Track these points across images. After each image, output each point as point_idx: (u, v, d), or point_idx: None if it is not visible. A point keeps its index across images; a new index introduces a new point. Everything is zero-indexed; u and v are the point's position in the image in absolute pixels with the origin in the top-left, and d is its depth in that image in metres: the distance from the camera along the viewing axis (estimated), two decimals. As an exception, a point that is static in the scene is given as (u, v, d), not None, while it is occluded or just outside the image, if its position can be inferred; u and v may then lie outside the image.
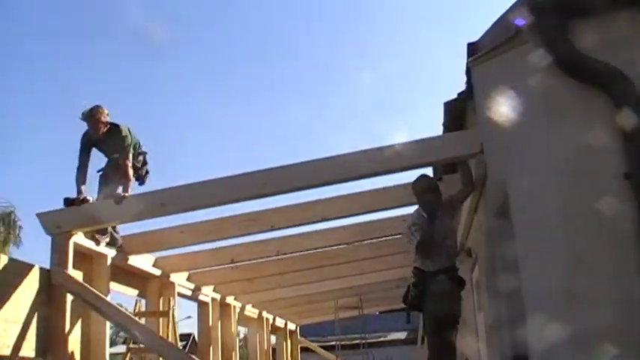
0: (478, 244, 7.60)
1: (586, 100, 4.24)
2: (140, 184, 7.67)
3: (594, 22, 4.29)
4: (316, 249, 9.90)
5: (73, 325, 7.01)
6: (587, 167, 3.75)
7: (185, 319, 35.40)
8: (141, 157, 7.66)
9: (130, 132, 7.40)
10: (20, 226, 28.64)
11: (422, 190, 6.47)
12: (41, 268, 6.78)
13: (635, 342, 3.37)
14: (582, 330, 3.45)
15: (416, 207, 6.68)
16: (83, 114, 7.18)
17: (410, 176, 6.82)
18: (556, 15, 4.44)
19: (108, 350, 7.88)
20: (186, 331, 34.69)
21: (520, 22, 4.99)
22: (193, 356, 6.93)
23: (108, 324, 7.56)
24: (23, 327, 6.45)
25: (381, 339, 28.82)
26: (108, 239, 7.51)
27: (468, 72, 6.40)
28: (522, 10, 4.86)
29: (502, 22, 5.35)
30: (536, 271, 4.44)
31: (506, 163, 5.41)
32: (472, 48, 6.11)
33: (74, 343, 7.04)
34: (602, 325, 3.39)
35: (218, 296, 11.41)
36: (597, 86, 4.13)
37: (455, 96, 6.78)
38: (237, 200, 6.72)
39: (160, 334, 7.92)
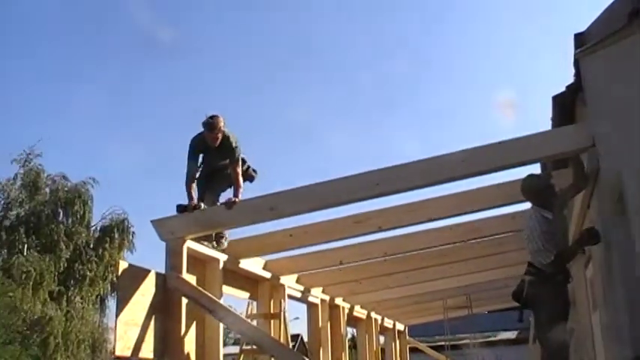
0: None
1: None
2: (250, 182, 7.90)
3: None
4: (423, 249, 9.84)
5: (188, 327, 7.20)
6: None
7: (293, 320, 35.81)
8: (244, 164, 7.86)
9: (238, 141, 7.58)
10: (133, 232, 29.80)
11: (537, 189, 6.36)
12: (157, 273, 7.01)
13: None
14: None
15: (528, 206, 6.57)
16: (205, 124, 7.42)
17: (516, 173, 6.72)
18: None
19: (222, 352, 8.11)
20: (294, 332, 35.14)
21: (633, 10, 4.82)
22: (305, 357, 7.01)
23: (221, 326, 7.76)
24: (142, 329, 6.66)
25: (491, 339, 28.34)
26: (225, 243, 7.75)
27: (577, 64, 6.27)
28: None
29: (611, 10, 5.18)
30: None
31: (621, 156, 5.23)
32: (580, 39, 5.99)
33: (189, 345, 7.24)
34: None
35: (327, 297, 11.52)
36: None
37: (563, 89, 6.65)
38: (346, 202, 6.78)
39: (272, 335, 8.05)
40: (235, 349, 10.14)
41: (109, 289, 28.53)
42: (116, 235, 29.13)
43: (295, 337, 33.49)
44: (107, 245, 28.68)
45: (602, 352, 7.71)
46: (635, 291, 4.99)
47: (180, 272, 7.08)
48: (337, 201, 6.74)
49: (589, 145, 6.08)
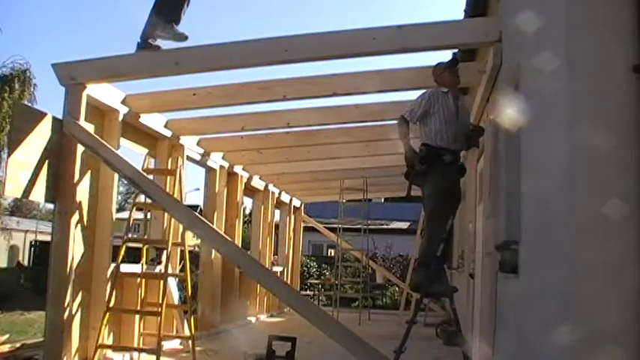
0: (486, 136, 7.65)
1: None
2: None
3: None
4: (326, 124, 9.96)
5: (82, 175, 7.20)
6: (601, 59, 3.70)
7: (193, 191, 35.93)
8: None
9: None
10: (35, 84, 28.68)
11: (441, 69, 6.67)
12: (54, 117, 6.92)
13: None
14: (579, 207, 3.53)
15: None
16: None
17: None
18: None
19: (115, 203, 8.15)
20: (194, 203, 35.34)
21: None
22: (196, 213, 7.12)
23: (116, 177, 7.76)
24: (34, 172, 6.63)
25: (383, 226, 29.35)
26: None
27: (498, -41, 6.33)
28: None
29: None
30: (537, 148, 4.49)
31: (521, 53, 5.37)
32: None
33: (82, 193, 7.25)
34: (601, 199, 3.45)
35: (226, 164, 11.61)
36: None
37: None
38: (254, 65, 6.77)
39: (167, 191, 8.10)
40: (139, 215, 10.16)
41: (6, 141, 27.63)
42: (16, 86, 27.96)
43: (194, 208, 33.70)
44: (6, 95, 27.53)
45: (480, 241, 8.13)
46: (514, 181, 5.24)
47: (78, 119, 7.00)
48: (243, 63, 6.69)
49: (495, 40, 6.23)
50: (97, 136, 7.18)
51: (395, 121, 9.99)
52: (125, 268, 8.12)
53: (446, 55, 7.22)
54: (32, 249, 33.69)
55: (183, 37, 6.74)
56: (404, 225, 30.23)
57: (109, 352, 7.64)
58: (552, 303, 3.73)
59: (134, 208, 8.51)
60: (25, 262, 34.13)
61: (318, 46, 6.47)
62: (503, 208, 5.77)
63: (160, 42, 6.86)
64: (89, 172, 7.43)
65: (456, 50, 7.95)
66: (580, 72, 3.61)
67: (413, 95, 8.79)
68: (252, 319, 13.65)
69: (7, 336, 9.32)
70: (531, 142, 4.71)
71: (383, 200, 31.47)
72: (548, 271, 3.92)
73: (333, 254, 26.26)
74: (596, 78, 3.54)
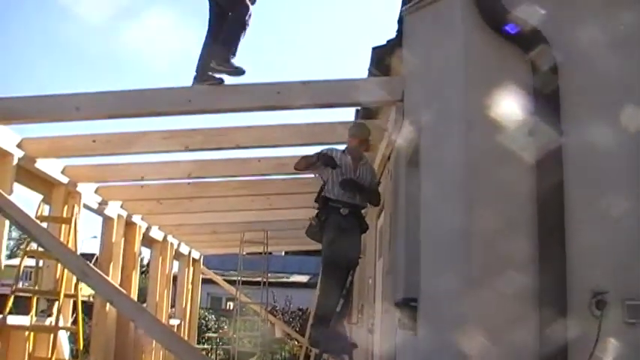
0: (387, 192, 7.77)
1: (505, 60, 4.33)
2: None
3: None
4: (228, 176, 9.89)
5: (-30, 220, 6.87)
6: (499, 125, 3.85)
7: (91, 239, 34.89)
8: None
9: None
10: None
11: (359, 136, 6.77)
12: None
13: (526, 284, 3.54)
14: (477, 270, 3.60)
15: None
16: None
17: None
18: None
19: (5, 249, 7.78)
20: (90, 251, 34.25)
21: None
22: (89, 264, 6.88)
23: (7, 224, 7.44)
24: None
25: (283, 280, 29.23)
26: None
27: (401, 20, 6.50)
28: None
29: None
30: (436, 214, 4.59)
31: (423, 114, 5.52)
32: (408, -3, 6.20)
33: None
34: (494, 269, 3.54)
35: (125, 213, 11.30)
36: (517, 45, 4.25)
37: (384, 43, 6.89)
38: (156, 114, 6.67)
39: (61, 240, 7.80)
40: (31, 262, 9.72)
41: None
42: None
43: (90, 257, 32.63)
44: None
45: (379, 297, 8.19)
46: (413, 240, 5.32)
47: (-33, 160, 6.70)
48: (146, 111, 6.57)
49: (398, 99, 6.39)
50: (-12, 181, 6.88)
51: (298, 175, 10.16)
52: (12, 320, 7.72)
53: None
54: None
55: (241, 72, 6.34)
56: (304, 278, 30.20)
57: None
58: (448, 360, 3.78)
59: (25, 256, 8.16)
60: None
61: (221, 98, 6.45)
62: (402, 266, 5.84)
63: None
64: (-23, 217, 7.09)
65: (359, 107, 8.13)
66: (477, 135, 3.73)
67: (315, 150, 8.96)
68: (147, 374, 13.18)
69: None
70: (430, 208, 4.81)
71: (283, 253, 31.41)
72: (444, 329, 3.97)
73: (231, 307, 25.89)
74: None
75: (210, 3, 6.54)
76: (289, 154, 8.97)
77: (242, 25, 6.35)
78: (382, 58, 6.93)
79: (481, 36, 4.22)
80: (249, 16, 6.37)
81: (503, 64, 4.07)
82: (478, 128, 3.77)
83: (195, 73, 6.40)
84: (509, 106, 3.86)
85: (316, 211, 6.55)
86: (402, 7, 6.35)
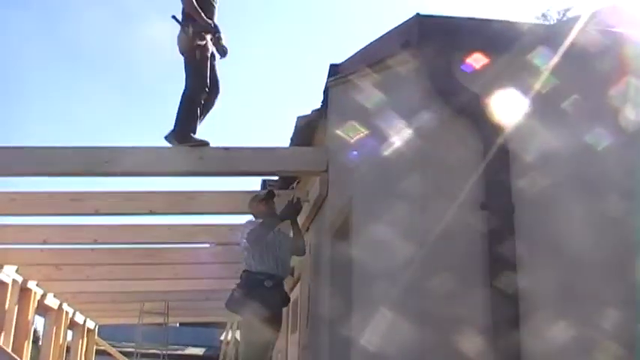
0: (303, 264, 7.57)
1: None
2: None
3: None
4: (135, 243, 9.44)
5: None
6: (440, 195, 3.74)
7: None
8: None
9: None
10: None
11: (257, 200, 6.55)
12: None
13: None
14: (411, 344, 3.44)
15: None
16: None
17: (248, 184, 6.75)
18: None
19: None
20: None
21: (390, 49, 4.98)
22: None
23: None
24: None
25: (178, 352, 28.25)
26: None
27: (326, 92, 6.46)
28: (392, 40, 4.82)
29: (369, 49, 5.34)
30: (371, 292, 4.43)
31: (351, 185, 5.40)
32: (334, 69, 6.14)
33: None
34: (430, 344, 3.38)
35: (20, 279, 10.60)
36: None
37: (309, 112, 6.81)
38: (67, 174, 6.24)
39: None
40: None
41: None
42: None
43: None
44: None
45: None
46: (344, 315, 5.14)
47: None
48: (57, 170, 6.10)
49: (322, 170, 6.26)
50: None
51: (206, 244, 9.87)
52: None
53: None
54: None
55: (205, 143, 6.16)
56: (199, 351, 29.30)
57: None
58: None
59: None
60: None
61: (140, 160, 6.13)
62: (326, 341, 5.62)
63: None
64: None
65: (273, 177, 7.97)
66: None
67: (228, 220, 8.73)
68: None
69: None
70: (364, 279, 4.64)
71: (178, 324, 30.41)
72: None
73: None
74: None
75: None
76: (204, 222, 8.73)
77: (191, 102, 6.16)
78: (306, 127, 6.85)
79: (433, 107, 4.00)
80: (203, 91, 6.19)
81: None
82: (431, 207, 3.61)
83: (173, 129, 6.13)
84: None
85: (237, 284, 6.26)
86: (328, 78, 6.33)
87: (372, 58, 5.08)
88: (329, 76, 6.28)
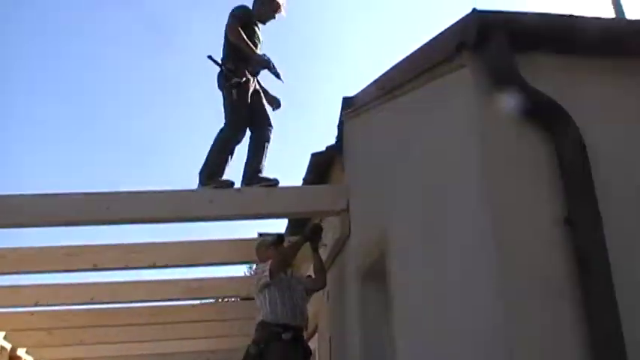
0: (320, 314, 7.01)
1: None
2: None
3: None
4: (136, 302, 8.77)
5: None
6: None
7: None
8: None
9: None
10: None
11: (265, 245, 6.17)
12: None
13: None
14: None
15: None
16: None
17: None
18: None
19: None
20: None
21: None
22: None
23: None
24: None
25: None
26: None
27: (341, 125, 6.04)
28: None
29: (381, 80, 4.89)
30: (411, 339, 3.87)
31: (383, 215, 4.83)
32: (348, 102, 5.78)
33: None
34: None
35: (9, 346, 9.89)
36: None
37: (323, 149, 6.37)
38: (65, 223, 5.58)
39: None
40: None
41: None
42: None
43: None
44: None
45: None
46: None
47: None
48: (53, 219, 5.45)
49: (343, 209, 5.75)
50: None
51: (210, 300, 9.29)
52: None
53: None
54: None
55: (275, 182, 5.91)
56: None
57: None
58: None
59: None
60: None
61: (144, 205, 5.54)
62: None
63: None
64: None
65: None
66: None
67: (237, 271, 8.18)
68: None
69: None
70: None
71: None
72: None
73: None
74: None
75: None
76: (211, 274, 8.15)
77: (222, 141, 6.00)
78: (321, 164, 6.39)
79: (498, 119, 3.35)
80: (237, 131, 6.05)
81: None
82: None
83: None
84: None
85: (253, 338, 5.67)
86: (342, 112, 5.91)
87: (381, 89, 4.68)
88: (342, 109, 5.90)
